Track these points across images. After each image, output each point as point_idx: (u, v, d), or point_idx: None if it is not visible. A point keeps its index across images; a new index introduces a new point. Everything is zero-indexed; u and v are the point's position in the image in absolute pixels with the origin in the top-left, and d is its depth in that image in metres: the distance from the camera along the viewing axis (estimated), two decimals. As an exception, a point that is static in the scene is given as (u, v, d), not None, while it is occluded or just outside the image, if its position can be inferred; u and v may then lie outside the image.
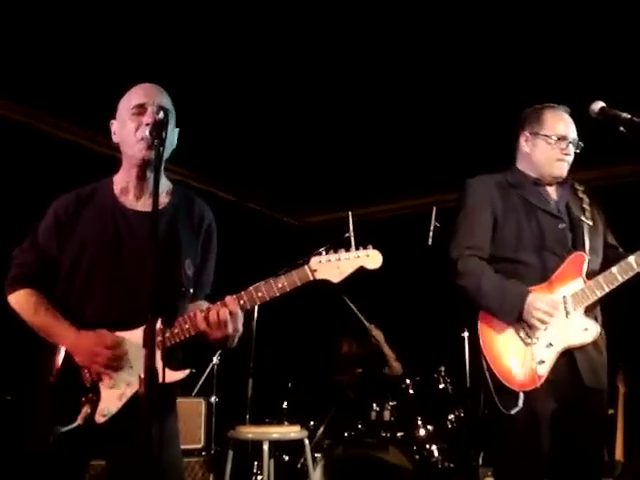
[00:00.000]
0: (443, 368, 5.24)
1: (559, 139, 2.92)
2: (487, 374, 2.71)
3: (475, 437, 4.86)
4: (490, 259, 2.88)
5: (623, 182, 5.87)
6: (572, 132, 2.96)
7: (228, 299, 2.30)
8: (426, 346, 5.75)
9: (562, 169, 2.94)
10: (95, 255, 2.39)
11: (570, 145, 2.93)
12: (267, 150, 5.97)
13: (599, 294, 2.78)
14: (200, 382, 5.16)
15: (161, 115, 2.27)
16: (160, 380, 1.88)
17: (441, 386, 5.17)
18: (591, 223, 2.92)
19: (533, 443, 2.65)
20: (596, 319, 2.82)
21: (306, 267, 2.31)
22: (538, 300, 2.70)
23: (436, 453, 4.93)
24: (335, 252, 2.33)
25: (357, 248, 2.35)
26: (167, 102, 2.49)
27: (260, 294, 2.31)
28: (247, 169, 6.39)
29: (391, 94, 5.08)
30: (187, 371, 2.33)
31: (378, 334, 5.56)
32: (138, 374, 2.14)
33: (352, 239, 4.80)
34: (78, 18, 4.06)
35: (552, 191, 3.00)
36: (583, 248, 2.85)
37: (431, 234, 4.99)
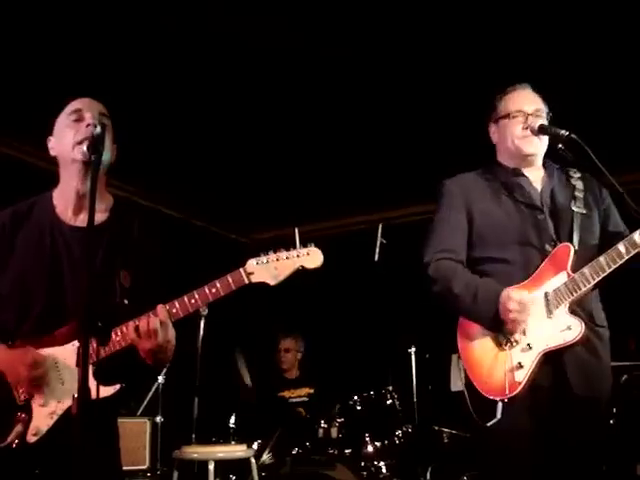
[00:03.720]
0: (390, 385, 5.25)
1: (515, 115, 2.76)
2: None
3: (423, 452, 4.89)
4: (471, 261, 2.72)
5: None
6: (529, 104, 2.78)
7: (159, 308, 2.23)
8: (373, 362, 5.77)
9: (529, 144, 2.74)
10: (33, 273, 2.36)
11: (530, 117, 2.73)
12: (213, 167, 5.93)
13: (584, 288, 2.51)
14: (145, 402, 5.08)
15: (98, 129, 2.22)
16: (93, 396, 1.86)
17: (389, 402, 5.18)
18: (584, 211, 2.68)
19: (516, 458, 2.44)
20: (592, 316, 2.58)
21: (241, 270, 2.23)
22: (509, 299, 2.46)
23: (384, 469, 4.93)
24: (275, 252, 2.24)
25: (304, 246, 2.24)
26: (104, 112, 2.47)
27: (193, 301, 2.23)
28: (193, 186, 6.35)
29: (338, 112, 5.10)
30: (117, 386, 2.24)
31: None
32: (69, 391, 2.11)
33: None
34: (16, 33, 3.99)
35: (536, 179, 2.79)
36: (570, 239, 2.61)
37: (377, 250, 5.04)
